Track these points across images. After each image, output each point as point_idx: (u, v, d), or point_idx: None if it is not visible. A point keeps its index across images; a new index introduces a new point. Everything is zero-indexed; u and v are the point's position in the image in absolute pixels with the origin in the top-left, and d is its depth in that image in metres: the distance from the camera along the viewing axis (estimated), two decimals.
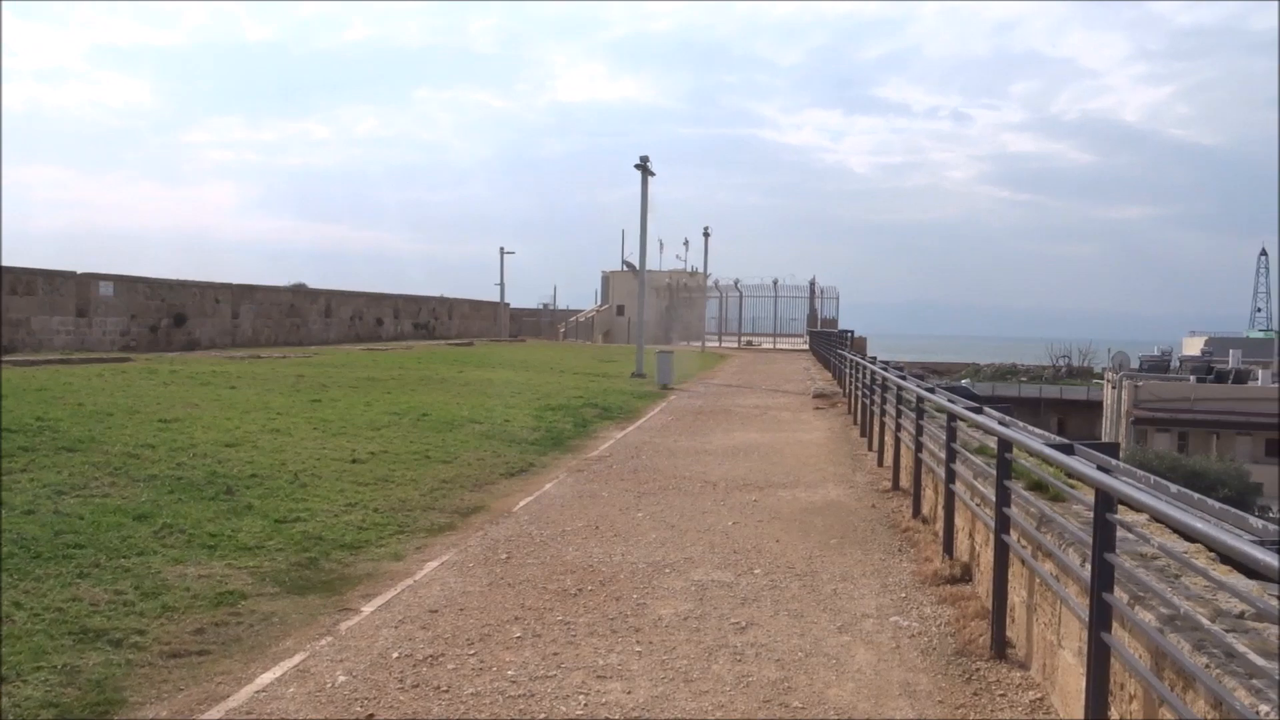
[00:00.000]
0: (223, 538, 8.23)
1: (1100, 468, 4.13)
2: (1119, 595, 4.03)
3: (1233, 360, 72.02)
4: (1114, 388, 70.14)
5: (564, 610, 6.65)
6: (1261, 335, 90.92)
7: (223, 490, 9.94)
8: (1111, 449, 4.29)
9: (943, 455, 8.19)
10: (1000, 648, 5.81)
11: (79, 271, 30.67)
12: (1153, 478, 3.78)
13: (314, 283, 48.73)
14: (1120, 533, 4.18)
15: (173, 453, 11.47)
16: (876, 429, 14.17)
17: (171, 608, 6.44)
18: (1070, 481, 5.30)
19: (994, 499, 5.94)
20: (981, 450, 7.86)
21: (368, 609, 6.62)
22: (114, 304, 31.79)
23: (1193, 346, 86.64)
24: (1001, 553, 5.86)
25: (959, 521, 7.81)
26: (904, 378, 10.42)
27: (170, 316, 35.00)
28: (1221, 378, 68.09)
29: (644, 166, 30.63)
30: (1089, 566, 4.37)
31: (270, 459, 11.69)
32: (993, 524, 5.98)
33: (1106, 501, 3.99)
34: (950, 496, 7.75)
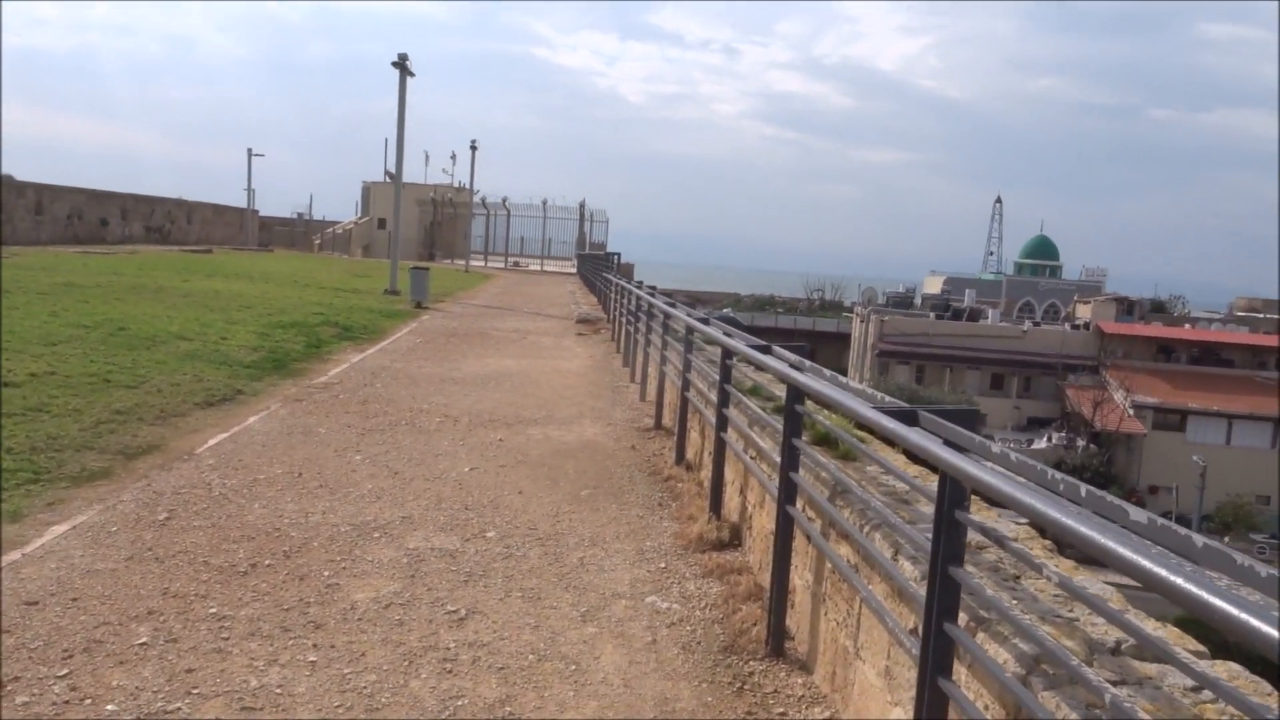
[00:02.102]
0: None
1: (948, 443, 2.93)
2: (965, 621, 2.88)
3: (967, 299, 76.96)
4: (862, 321, 73.48)
5: (223, 597, 4.99)
6: (992, 277, 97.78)
7: None
8: (967, 418, 3.11)
9: (713, 397, 7.04)
10: (779, 642, 4.68)
11: None
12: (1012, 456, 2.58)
13: (41, 180, 42.69)
14: (974, 536, 3.04)
15: None
16: (640, 360, 13.04)
17: None
18: (888, 453, 4.16)
19: (779, 461, 4.76)
20: (755, 391, 6.75)
21: None
22: None
23: (933, 285, 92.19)
24: (785, 526, 4.70)
25: (729, 474, 6.68)
26: (672, 305, 9.22)
27: None
28: (958, 315, 72.65)
29: (402, 65, 28.03)
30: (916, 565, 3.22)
31: None
32: (775, 489, 4.81)
33: (958, 493, 2.81)
34: (721, 446, 6.58)
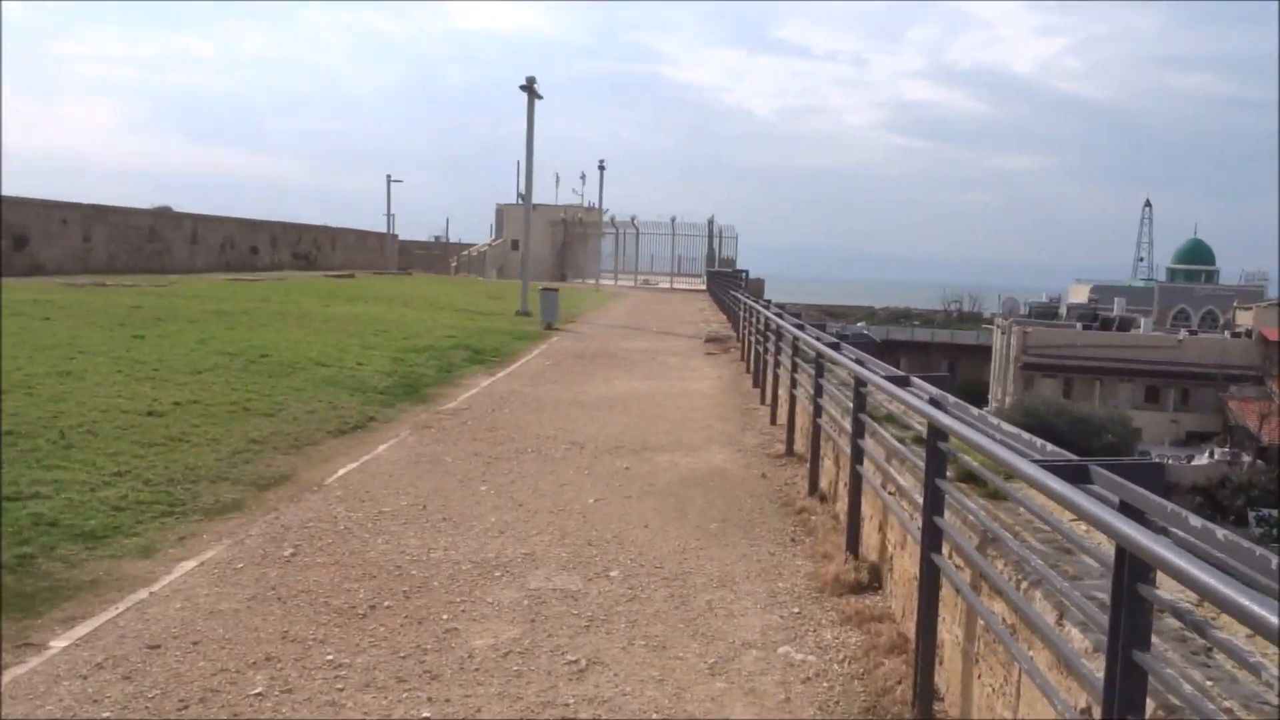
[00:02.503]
0: None
1: (1125, 506, 2.50)
2: (1153, 710, 2.44)
3: (1117, 308, 73.36)
4: (1003, 333, 70.81)
5: (341, 642, 4.87)
6: (1143, 284, 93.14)
7: None
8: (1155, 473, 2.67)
9: (847, 425, 6.63)
10: (926, 704, 4.25)
11: None
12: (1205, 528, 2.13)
13: (197, 210, 45.13)
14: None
15: None
16: (770, 381, 12.65)
17: None
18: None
19: (921, 501, 4.35)
20: (891, 419, 6.32)
21: (59, 644, 4.73)
22: None
23: (1079, 294, 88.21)
24: (930, 575, 4.29)
25: (866, 509, 6.25)
26: (801, 326, 8.82)
27: (9, 238, 31.60)
28: (1106, 325, 69.26)
29: (530, 88, 28.36)
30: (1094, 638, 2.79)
31: (42, 410, 9.54)
32: (918, 533, 4.40)
33: (1139, 567, 2.38)
34: (856, 479, 6.16)
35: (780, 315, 10.87)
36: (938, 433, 4.19)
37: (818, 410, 7.91)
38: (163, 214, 43.12)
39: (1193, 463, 50.19)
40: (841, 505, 7.28)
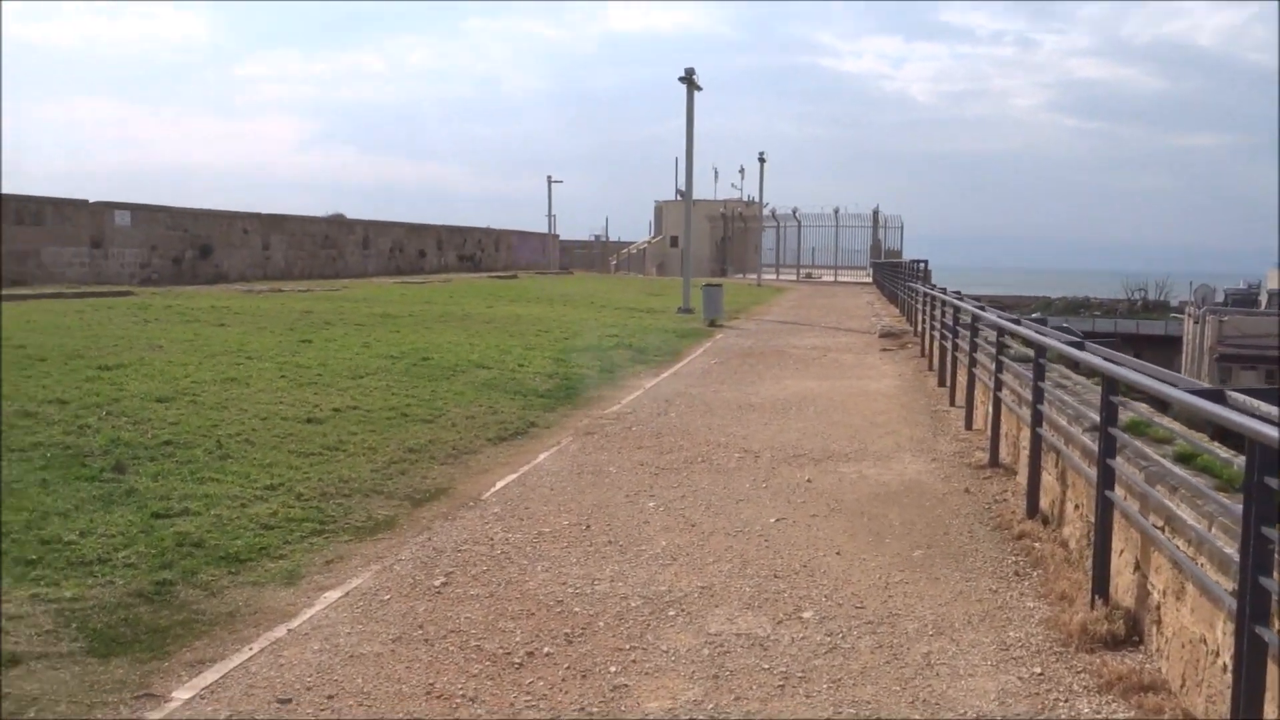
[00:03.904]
0: (58, 545, 5.87)
1: None
2: None
3: None
4: (1195, 322, 65.67)
5: (493, 700, 4.15)
6: None
7: (111, 465, 7.62)
8: None
9: (1087, 441, 5.51)
10: None
11: (92, 200, 28.75)
12: None
13: (369, 216, 46.60)
14: None
15: (83, 411, 9.17)
16: (963, 379, 11.43)
17: None
18: None
19: (1225, 550, 3.28)
20: (1154, 433, 5.19)
21: (181, 695, 4.18)
22: (132, 235, 29.82)
23: (1277, 280, 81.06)
24: (1254, 652, 3.21)
25: (1117, 541, 5.14)
26: (1016, 321, 7.64)
27: (195, 248, 33.10)
28: None
29: (689, 79, 27.60)
30: None
31: (203, 419, 9.34)
32: (1216, 589, 3.33)
33: None
34: (1107, 507, 5.04)
35: (981, 307, 9.68)
36: (1267, 458, 3.12)
37: (1037, 418, 6.76)
38: (336, 221, 44.58)
39: None
40: (1072, 530, 6.16)
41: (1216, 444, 4.42)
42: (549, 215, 63.89)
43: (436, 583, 5.58)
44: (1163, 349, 73.60)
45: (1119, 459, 5.00)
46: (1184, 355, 68.54)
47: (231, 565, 5.81)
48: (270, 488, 7.43)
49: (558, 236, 66.70)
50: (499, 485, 7.92)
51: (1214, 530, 3.83)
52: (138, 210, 29.98)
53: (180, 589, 5.42)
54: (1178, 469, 4.47)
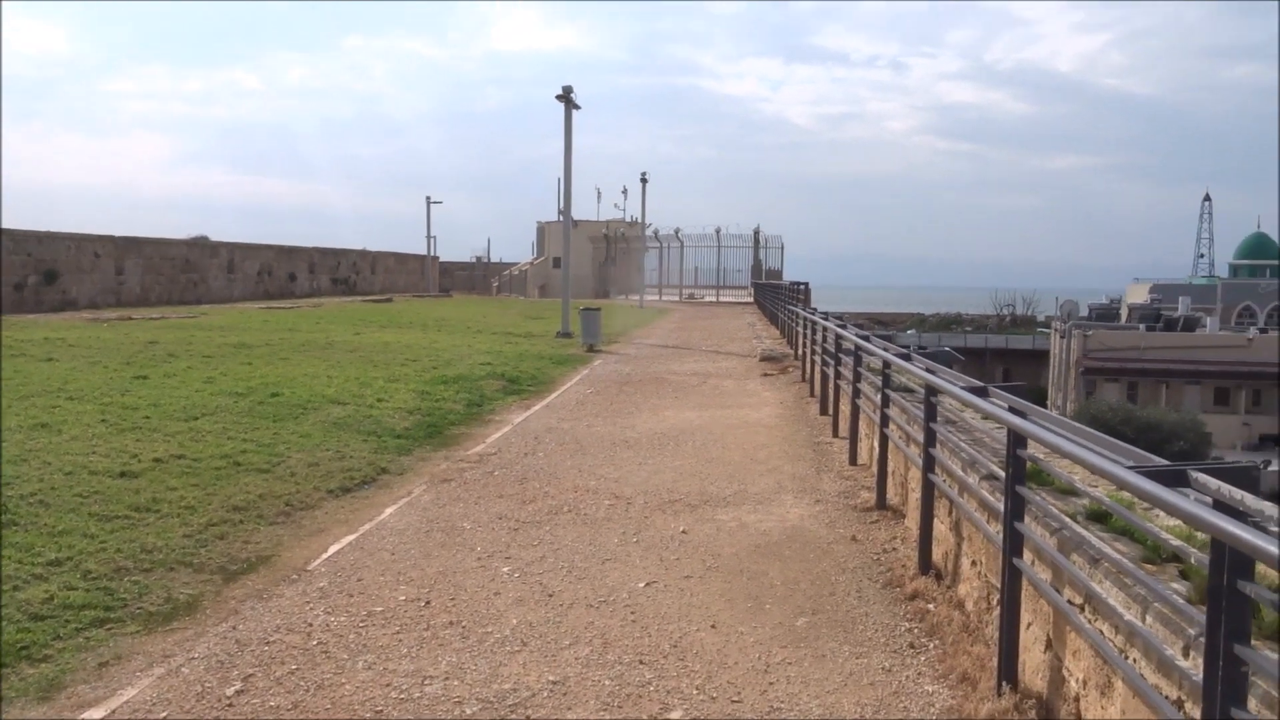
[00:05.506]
0: None
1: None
2: None
3: (1182, 307, 70.38)
4: (1062, 336, 68.00)
5: None
6: (1205, 281, 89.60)
7: None
8: None
9: (986, 494, 4.88)
10: None
11: None
12: None
13: (241, 238, 44.37)
14: None
15: None
16: (846, 409, 10.88)
17: None
18: None
19: (1142, 627, 2.61)
20: (1040, 477, 4.60)
21: None
22: None
23: (1137, 294, 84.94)
24: None
25: (1025, 612, 4.49)
26: (906, 356, 7.03)
27: (39, 273, 30.77)
28: (1170, 325, 66.17)
29: (567, 98, 26.85)
30: None
31: (5, 471, 8.07)
32: (1148, 686, 2.66)
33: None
34: (1015, 578, 4.39)
35: (866, 337, 9.10)
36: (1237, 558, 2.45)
37: (929, 463, 6.15)
38: (198, 244, 42.25)
39: (1269, 467, 47.18)
40: (969, 589, 5.53)
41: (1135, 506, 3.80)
42: (428, 237, 62.23)
43: (230, 690, 4.59)
44: (1031, 363, 76.16)
45: (1029, 521, 4.36)
46: (1051, 369, 70.96)
47: None
48: (54, 563, 6.28)
49: (437, 258, 65.09)
50: (331, 550, 6.91)
51: (1149, 621, 3.18)
52: None
53: None
54: (1094, 538, 3.84)
